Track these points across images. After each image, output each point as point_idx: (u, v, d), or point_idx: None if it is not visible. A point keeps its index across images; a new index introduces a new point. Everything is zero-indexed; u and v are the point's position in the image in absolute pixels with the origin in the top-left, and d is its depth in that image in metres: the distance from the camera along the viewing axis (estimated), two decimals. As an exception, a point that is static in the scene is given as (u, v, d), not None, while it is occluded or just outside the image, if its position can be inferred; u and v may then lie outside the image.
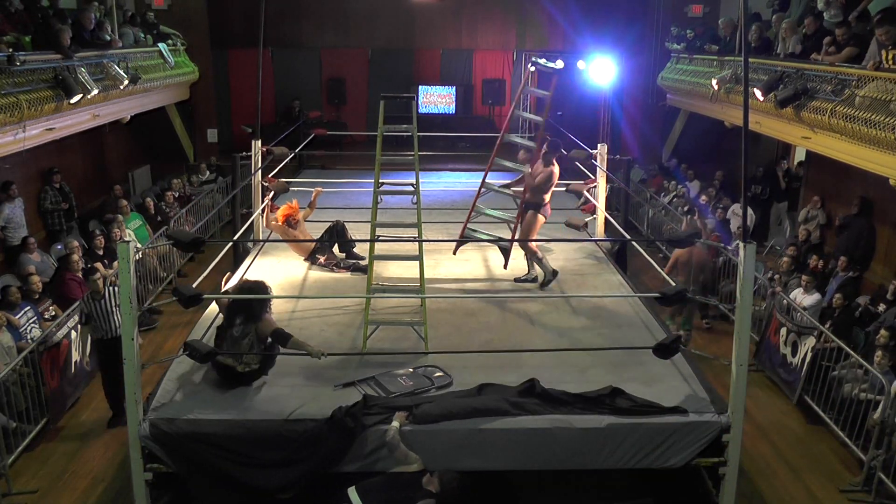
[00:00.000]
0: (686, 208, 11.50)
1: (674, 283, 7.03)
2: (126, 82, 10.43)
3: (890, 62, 7.34)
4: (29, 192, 10.50)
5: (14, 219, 9.76)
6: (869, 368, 6.78)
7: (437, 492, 4.55)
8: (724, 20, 12.66)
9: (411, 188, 6.39)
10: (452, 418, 4.98)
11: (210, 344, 5.50)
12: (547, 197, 7.69)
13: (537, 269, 7.71)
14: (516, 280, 7.74)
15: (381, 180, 6.35)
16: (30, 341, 7.23)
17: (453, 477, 4.62)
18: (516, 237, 7.61)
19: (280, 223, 8.18)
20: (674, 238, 6.54)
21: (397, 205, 6.80)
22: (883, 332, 7.11)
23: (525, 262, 7.82)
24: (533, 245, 7.64)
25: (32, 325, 7.71)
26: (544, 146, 7.67)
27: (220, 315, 5.88)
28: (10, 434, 6.44)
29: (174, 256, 10.97)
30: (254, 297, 5.59)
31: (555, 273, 7.64)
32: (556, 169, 7.66)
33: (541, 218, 7.68)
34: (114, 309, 7.05)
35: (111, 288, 7.19)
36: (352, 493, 4.57)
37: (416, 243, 6.36)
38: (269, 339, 5.52)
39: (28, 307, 7.84)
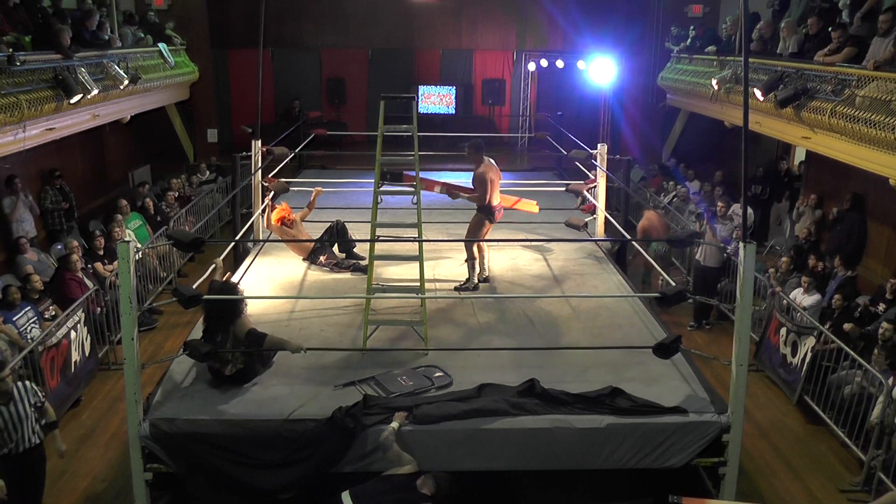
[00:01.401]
0: (697, 213, 11.50)
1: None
2: (126, 82, 10.43)
3: None
4: (29, 191, 10.49)
5: (19, 211, 9.82)
6: (868, 368, 6.78)
7: (431, 494, 4.53)
8: (730, 19, 12.65)
9: (411, 188, 6.40)
10: (453, 419, 4.98)
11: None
12: (493, 198, 7.30)
13: (476, 274, 7.44)
14: (455, 289, 7.39)
15: (381, 180, 6.35)
16: (30, 341, 7.23)
17: (447, 478, 4.60)
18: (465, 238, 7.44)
19: (276, 224, 8.20)
20: (673, 238, 6.53)
21: (397, 205, 6.80)
22: (885, 324, 7.09)
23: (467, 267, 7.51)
24: (475, 249, 7.39)
25: (32, 325, 7.71)
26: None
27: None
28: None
29: (174, 256, 10.97)
30: (249, 297, 5.59)
31: (476, 287, 7.35)
32: (481, 168, 7.26)
33: (486, 222, 7.33)
34: (28, 412, 5.32)
35: (20, 384, 5.41)
36: (345, 497, 4.56)
37: (416, 243, 6.36)
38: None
39: (28, 307, 7.84)
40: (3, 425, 5.21)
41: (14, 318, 7.55)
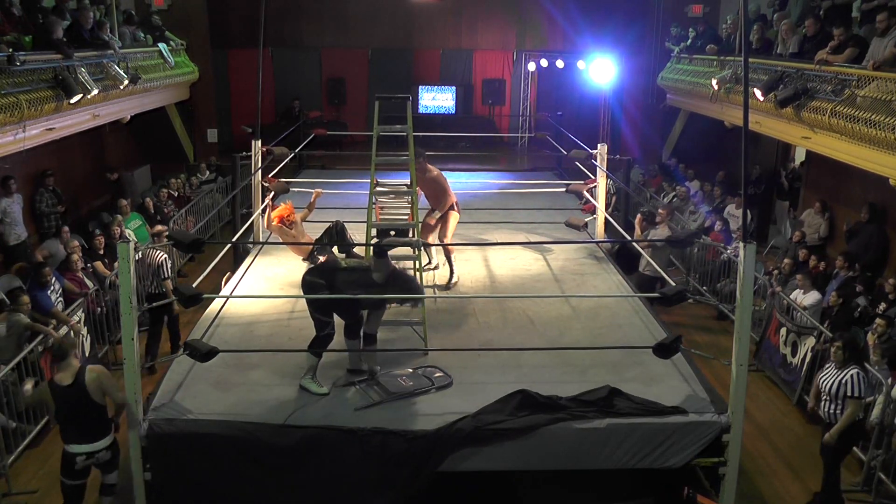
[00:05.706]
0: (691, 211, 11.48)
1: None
2: (126, 82, 10.42)
3: None
4: (27, 191, 10.45)
5: (11, 214, 9.72)
6: (868, 368, 6.76)
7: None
8: (730, 18, 12.63)
9: (406, 186, 6.41)
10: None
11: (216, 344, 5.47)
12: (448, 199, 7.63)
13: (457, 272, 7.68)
14: (446, 287, 7.51)
15: (379, 181, 6.36)
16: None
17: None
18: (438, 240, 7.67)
19: (276, 224, 8.18)
20: (673, 238, 6.54)
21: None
22: (879, 320, 7.07)
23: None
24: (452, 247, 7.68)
25: (59, 298, 7.93)
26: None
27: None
28: (10, 434, 6.44)
29: (174, 256, 10.94)
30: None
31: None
32: (434, 172, 7.51)
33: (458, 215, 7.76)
34: None
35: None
36: None
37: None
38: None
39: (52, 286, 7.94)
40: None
41: (47, 293, 7.71)
